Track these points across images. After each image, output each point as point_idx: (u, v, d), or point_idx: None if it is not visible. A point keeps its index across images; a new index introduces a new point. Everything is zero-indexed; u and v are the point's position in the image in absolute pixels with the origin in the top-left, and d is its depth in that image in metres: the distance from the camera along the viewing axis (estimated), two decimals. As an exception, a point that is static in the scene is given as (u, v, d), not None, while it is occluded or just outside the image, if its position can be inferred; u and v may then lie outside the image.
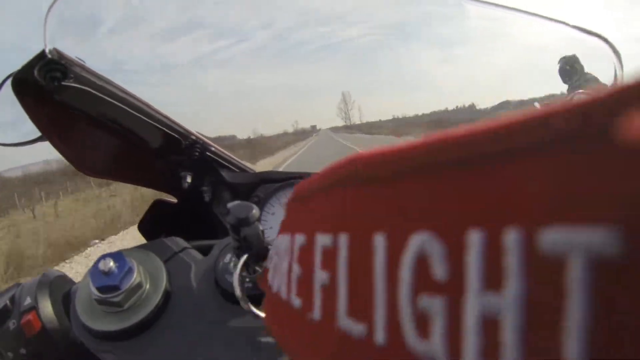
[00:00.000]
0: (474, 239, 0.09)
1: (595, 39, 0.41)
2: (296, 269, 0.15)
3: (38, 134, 0.48)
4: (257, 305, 0.31)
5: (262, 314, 0.29)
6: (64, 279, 0.38)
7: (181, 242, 0.37)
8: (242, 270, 0.29)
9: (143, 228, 0.69)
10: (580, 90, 0.48)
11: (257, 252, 0.30)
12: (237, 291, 0.29)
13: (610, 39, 0.39)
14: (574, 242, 0.07)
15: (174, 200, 0.73)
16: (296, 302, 0.15)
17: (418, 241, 0.10)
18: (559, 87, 0.50)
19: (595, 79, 0.46)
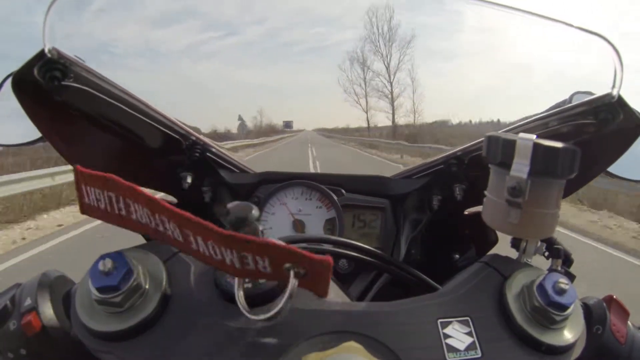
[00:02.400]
0: None
1: (595, 38, 0.40)
2: None
3: (38, 134, 0.48)
4: (257, 306, 0.31)
5: (259, 317, 0.29)
6: (64, 279, 0.38)
7: None
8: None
9: None
10: (579, 91, 0.48)
11: None
12: (238, 298, 0.29)
13: (610, 38, 0.39)
14: None
15: (174, 200, 0.73)
16: None
17: None
18: (538, 108, 0.50)
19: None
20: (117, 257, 0.31)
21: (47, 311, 0.34)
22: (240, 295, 0.29)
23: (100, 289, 0.29)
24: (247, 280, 0.32)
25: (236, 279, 0.30)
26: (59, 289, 0.36)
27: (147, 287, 0.32)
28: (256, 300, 0.31)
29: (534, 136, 0.33)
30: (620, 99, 0.40)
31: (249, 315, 0.29)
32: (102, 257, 0.30)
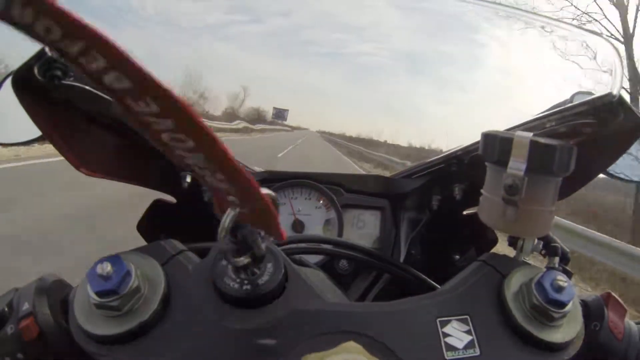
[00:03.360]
0: None
1: (596, 39, 0.41)
2: None
3: (38, 132, 0.49)
4: (254, 308, 0.32)
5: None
6: (61, 283, 0.38)
7: (178, 245, 0.36)
8: (240, 265, 0.30)
9: (142, 228, 0.69)
10: (580, 91, 0.48)
11: (255, 253, 0.30)
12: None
13: (611, 39, 0.39)
14: None
15: (173, 200, 0.73)
16: None
17: None
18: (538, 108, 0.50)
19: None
20: (115, 260, 0.31)
21: (45, 315, 0.34)
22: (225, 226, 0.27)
23: (98, 293, 0.29)
24: (246, 282, 0.32)
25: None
26: (57, 293, 0.36)
27: (145, 290, 0.32)
28: (254, 303, 0.31)
29: (530, 134, 0.33)
30: (620, 99, 0.40)
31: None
32: (100, 261, 0.30)
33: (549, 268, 0.38)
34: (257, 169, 0.78)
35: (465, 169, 0.65)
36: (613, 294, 0.38)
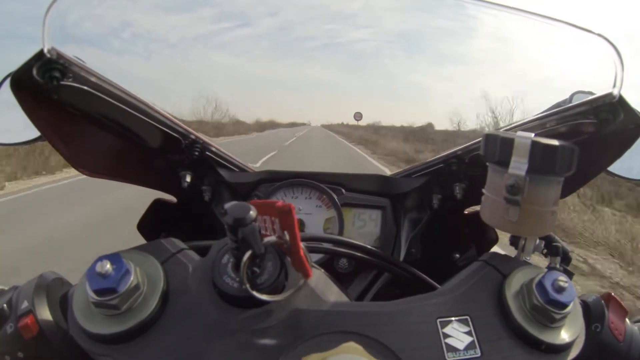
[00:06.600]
0: None
1: (596, 38, 0.40)
2: None
3: (37, 133, 0.48)
4: (254, 307, 0.31)
5: (267, 298, 0.30)
6: (61, 281, 0.37)
7: (178, 243, 0.36)
8: (244, 266, 0.30)
9: (142, 228, 0.69)
10: (579, 90, 0.48)
11: (255, 252, 0.30)
12: (245, 283, 0.30)
13: (611, 38, 0.39)
14: None
15: (173, 199, 0.73)
16: None
17: None
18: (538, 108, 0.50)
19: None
20: (115, 258, 0.30)
21: (44, 314, 0.34)
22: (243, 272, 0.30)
23: (97, 291, 0.29)
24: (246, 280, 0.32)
25: (243, 269, 0.30)
26: (56, 292, 0.36)
27: (144, 288, 0.31)
28: (253, 303, 0.31)
29: (532, 134, 0.33)
30: (621, 99, 0.39)
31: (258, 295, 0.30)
32: (100, 259, 0.30)
33: (550, 268, 0.38)
34: (256, 168, 0.77)
35: (465, 168, 0.65)
36: (613, 294, 0.38)
